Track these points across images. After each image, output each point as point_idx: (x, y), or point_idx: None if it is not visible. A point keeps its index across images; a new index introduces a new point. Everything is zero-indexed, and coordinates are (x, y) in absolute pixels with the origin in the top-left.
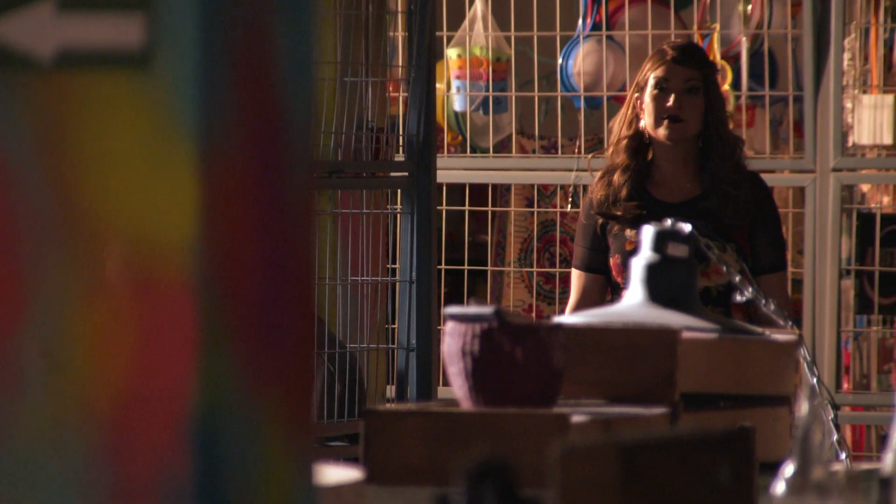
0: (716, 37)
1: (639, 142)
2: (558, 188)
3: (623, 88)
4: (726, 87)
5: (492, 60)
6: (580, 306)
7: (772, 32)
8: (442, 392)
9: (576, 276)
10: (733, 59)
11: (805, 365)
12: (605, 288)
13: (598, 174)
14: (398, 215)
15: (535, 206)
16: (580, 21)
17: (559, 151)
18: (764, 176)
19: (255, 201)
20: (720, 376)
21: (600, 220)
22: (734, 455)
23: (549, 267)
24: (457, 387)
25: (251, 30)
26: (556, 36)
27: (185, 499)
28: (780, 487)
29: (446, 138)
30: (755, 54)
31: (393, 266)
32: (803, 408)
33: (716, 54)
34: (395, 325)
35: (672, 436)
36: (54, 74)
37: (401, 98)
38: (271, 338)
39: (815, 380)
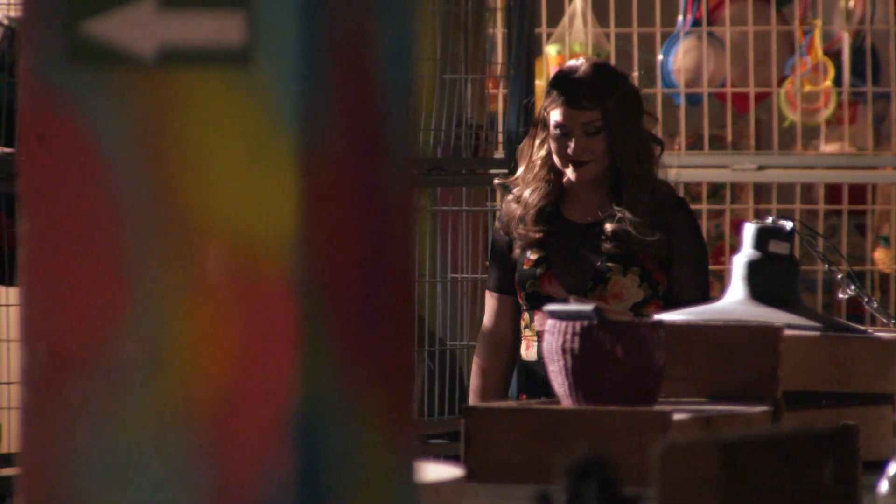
0: (818, 33)
1: (552, 162)
2: None
3: (723, 85)
4: (828, 83)
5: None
6: (492, 330)
7: (874, 28)
8: None
9: (488, 298)
10: (835, 56)
11: None
12: (519, 309)
13: (510, 195)
14: (497, 213)
15: None
16: (680, 17)
17: None
18: (865, 173)
19: (355, 198)
20: (822, 374)
21: (509, 239)
22: (837, 454)
23: None
24: (557, 384)
25: (351, 27)
26: (657, 32)
27: (286, 496)
28: (884, 487)
29: None
30: (857, 50)
31: None
32: None
33: (818, 50)
34: None
35: (774, 434)
36: (155, 72)
37: (500, 95)
38: (372, 335)
39: None
